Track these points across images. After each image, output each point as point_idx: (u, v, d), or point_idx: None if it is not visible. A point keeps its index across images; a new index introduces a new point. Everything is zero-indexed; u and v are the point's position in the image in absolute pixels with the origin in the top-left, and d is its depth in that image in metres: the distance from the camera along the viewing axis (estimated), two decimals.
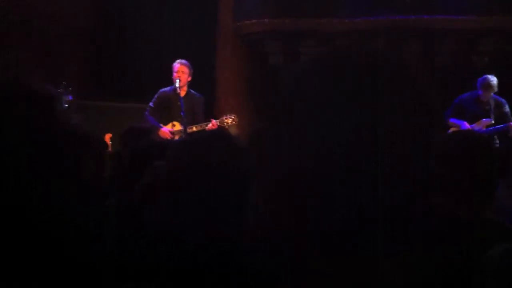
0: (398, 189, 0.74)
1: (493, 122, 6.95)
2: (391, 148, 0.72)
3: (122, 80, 8.36)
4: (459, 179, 1.86)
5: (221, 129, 6.10)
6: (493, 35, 7.83)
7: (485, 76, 6.98)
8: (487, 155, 1.92)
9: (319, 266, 0.77)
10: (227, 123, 6.63)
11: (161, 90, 6.79)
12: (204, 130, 6.36)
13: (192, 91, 6.79)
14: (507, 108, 7.00)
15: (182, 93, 6.63)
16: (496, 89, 6.94)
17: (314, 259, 0.78)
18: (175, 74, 6.62)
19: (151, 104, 6.77)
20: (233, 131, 6.83)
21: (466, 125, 6.90)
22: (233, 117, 6.66)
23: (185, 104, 6.53)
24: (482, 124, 6.94)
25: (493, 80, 6.92)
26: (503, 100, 7.02)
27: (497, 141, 6.83)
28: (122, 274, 1.18)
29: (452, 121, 6.93)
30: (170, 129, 6.64)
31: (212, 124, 6.53)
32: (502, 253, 1.28)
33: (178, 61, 6.68)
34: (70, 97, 6.72)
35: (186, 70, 6.64)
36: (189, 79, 6.70)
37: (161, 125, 6.64)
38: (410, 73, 0.78)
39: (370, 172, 0.72)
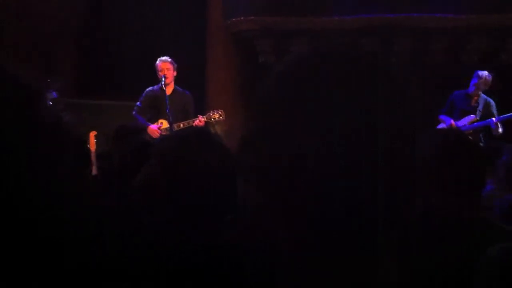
0: (382, 188, 0.74)
1: (477, 118, 6.99)
2: (375, 146, 0.72)
3: (112, 79, 8.32)
4: (440, 177, 1.85)
5: (201, 127, 6.04)
6: (483, 34, 7.87)
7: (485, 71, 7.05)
8: (466, 151, 1.90)
9: (319, 266, 0.77)
10: (214, 118, 6.55)
11: (147, 89, 6.72)
12: (191, 127, 6.31)
13: (179, 88, 6.71)
14: (495, 109, 7.05)
15: (169, 91, 6.55)
16: (487, 86, 6.99)
17: (314, 259, 0.77)
18: (159, 73, 6.53)
19: (138, 103, 6.71)
20: (222, 128, 6.79)
21: (450, 121, 6.96)
22: (220, 112, 6.58)
23: (172, 101, 6.44)
24: (466, 120, 6.99)
25: (489, 76, 6.98)
26: (492, 101, 7.07)
27: (482, 141, 6.91)
28: (121, 274, 1.17)
29: (441, 117, 7.02)
30: (158, 126, 6.57)
31: (199, 120, 6.45)
32: (500, 252, 1.29)
33: (160, 59, 6.57)
34: (54, 94, 6.58)
35: (170, 66, 6.56)
36: (175, 74, 6.62)
37: (149, 123, 6.58)
38: (393, 72, 0.77)
39: (361, 171, 0.72)
